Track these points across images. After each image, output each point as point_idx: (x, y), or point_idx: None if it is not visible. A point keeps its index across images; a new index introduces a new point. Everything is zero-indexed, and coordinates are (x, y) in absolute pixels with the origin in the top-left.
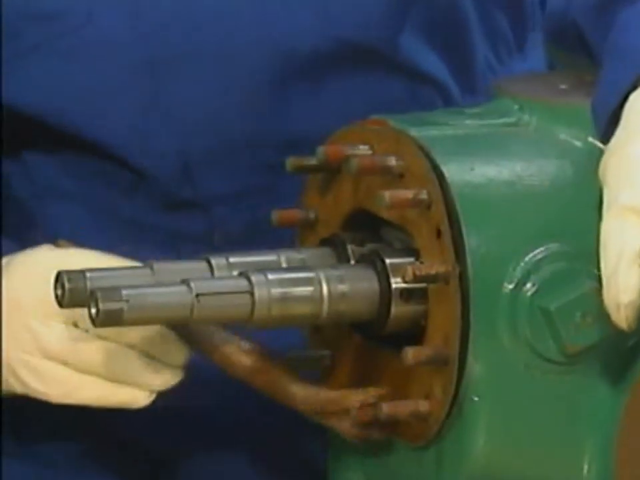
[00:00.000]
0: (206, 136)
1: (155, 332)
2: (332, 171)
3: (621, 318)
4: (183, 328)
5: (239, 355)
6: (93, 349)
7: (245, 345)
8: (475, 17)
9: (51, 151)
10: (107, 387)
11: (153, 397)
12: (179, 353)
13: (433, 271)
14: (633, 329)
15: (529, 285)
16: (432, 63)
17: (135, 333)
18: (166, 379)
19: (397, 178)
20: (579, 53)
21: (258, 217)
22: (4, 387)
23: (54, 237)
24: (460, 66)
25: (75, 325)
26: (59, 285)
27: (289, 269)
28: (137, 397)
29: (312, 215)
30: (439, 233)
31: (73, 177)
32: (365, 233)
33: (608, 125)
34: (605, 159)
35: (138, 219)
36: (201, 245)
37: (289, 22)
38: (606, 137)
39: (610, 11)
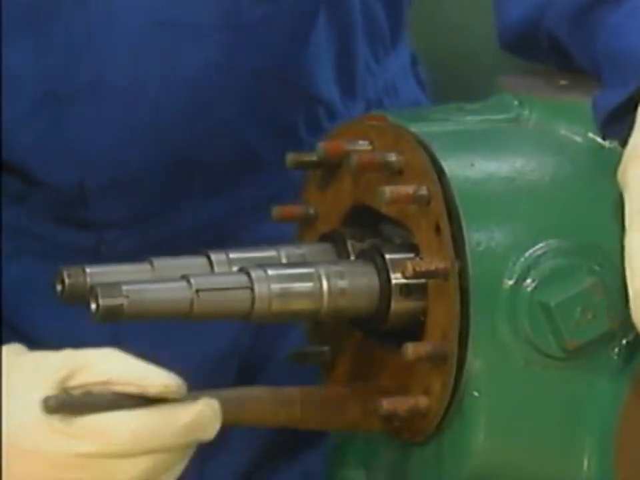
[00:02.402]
0: (105, 167)
1: None
2: (331, 166)
3: None
4: None
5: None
6: None
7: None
8: (360, 20)
9: None
10: None
11: None
12: None
13: (432, 267)
14: None
15: (528, 281)
16: (324, 82)
17: None
18: None
19: (396, 174)
20: (548, 61)
21: (147, 239)
22: None
23: None
24: (345, 76)
25: None
26: (58, 281)
27: (289, 265)
28: None
29: (312, 211)
30: (438, 229)
31: None
32: (365, 228)
33: (609, 121)
34: (625, 164)
35: (20, 226)
36: (84, 257)
37: (195, 58)
38: (607, 134)
39: (591, 17)
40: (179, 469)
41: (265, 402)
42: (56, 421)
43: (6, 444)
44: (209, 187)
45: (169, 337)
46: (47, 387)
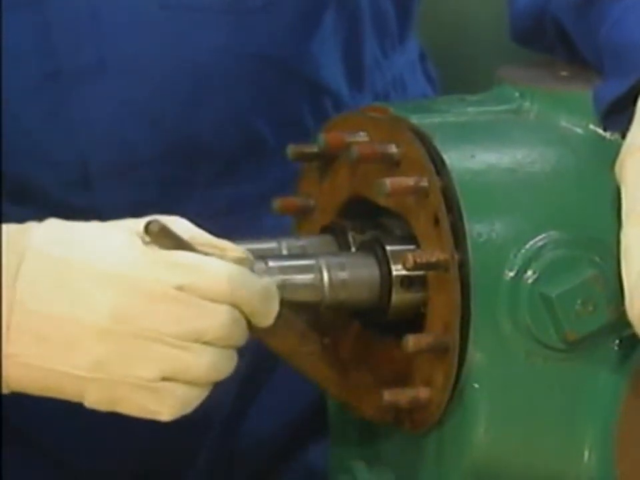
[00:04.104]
0: (109, 149)
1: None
2: (327, 158)
3: None
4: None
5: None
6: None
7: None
8: (369, 14)
9: None
10: None
11: None
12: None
13: (433, 259)
14: None
15: (529, 273)
16: (331, 72)
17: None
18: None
19: (393, 165)
20: (555, 52)
21: None
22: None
23: None
24: (353, 69)
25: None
26: None
27: (290, 257)
28: None
29: (312, 203)
30: (437, 221)
31: None
32: (365, 220)
33: (609, 113)
34: (623, 158)
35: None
36: None
37: (200, 41)
38: (608, 125)
39: (593, 8)
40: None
41: (294, 331)
42: (154, 251)
43: (97, 272)
44: (212, 175)
45: None
46: (137, 224)
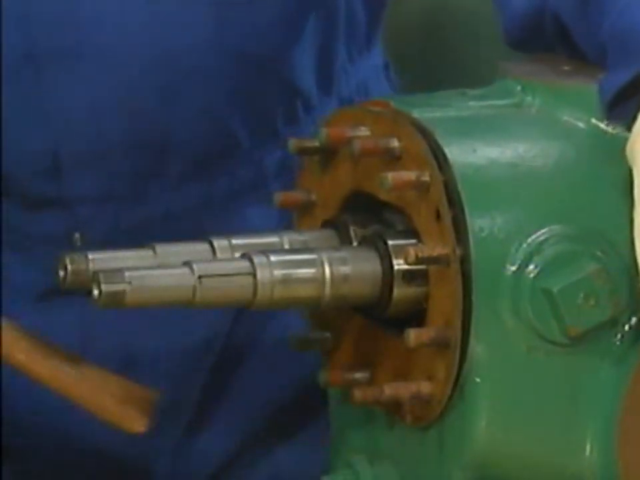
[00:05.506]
0: (80, 137)
1: None
2: (327, 153)
3: None
4: None
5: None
6: None
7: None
8: (343, 20)
9: None
10: None
11: None
12: None
13: (434, 253)
14: None
15: (531, 267)
16: (305, 75)
17: None
18: None
19: (395, 160)
20: (557, 50)
21: (121, 221)
22: None
23: None
24: (324, 72)
25: None
26: (61, 267)
27: (292, 251)
28: None
29: (313, 197)
30: (438, 215)
31: None
32: (367, 214)
33: (616, 102)
34: (634, 139)
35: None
36: (55, 247)
37: (180, 34)
38: (614, 115)
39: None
40: None
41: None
42: None
43: None
44: (184, 170)
45: (137, 331)
46: None
